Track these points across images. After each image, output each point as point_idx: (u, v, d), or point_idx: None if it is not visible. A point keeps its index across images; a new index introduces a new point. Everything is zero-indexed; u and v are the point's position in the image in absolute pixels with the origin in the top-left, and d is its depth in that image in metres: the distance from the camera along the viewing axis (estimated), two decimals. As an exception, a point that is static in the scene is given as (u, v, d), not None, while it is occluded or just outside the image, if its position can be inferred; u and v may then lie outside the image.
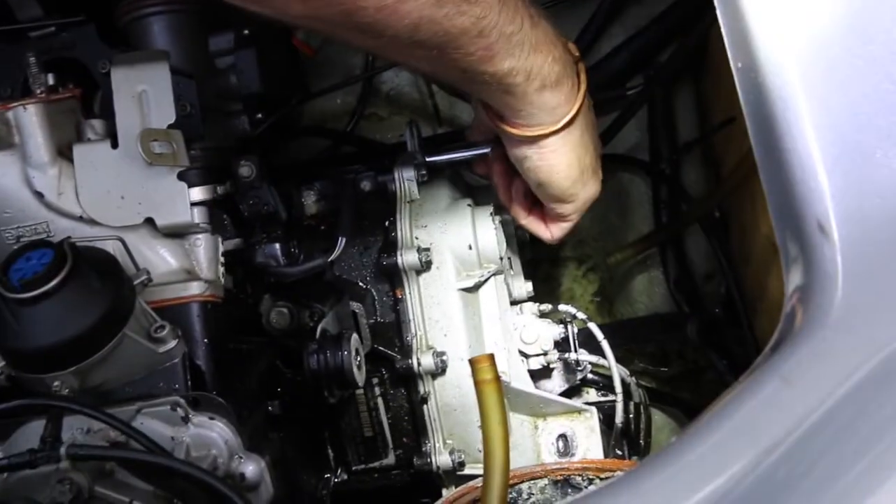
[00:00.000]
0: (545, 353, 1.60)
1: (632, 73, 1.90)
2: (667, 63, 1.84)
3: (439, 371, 1.49)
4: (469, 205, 1.53)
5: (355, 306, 1.50)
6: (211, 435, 1.21)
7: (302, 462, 1.49)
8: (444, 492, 1.55)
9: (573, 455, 1.55)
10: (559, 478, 1.35)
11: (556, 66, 1.21)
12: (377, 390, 1.54)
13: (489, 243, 1.51)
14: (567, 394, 1.65)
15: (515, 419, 1.54)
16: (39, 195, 1.33)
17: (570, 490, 1.35)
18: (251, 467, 1.21)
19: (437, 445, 1.52)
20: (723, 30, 0.92)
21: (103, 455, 1.11)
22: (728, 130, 1.67)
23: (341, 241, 1.49)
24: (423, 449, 1.52)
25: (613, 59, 1.88)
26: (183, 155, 1.30)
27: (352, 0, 0.99)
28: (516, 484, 1.30)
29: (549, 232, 1.47)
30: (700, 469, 0.80)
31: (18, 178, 1.33)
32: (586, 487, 1.35)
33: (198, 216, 1.35)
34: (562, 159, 1.30)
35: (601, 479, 1.35)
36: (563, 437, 1.56)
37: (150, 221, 1.33)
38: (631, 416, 1.64)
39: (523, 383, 1.55)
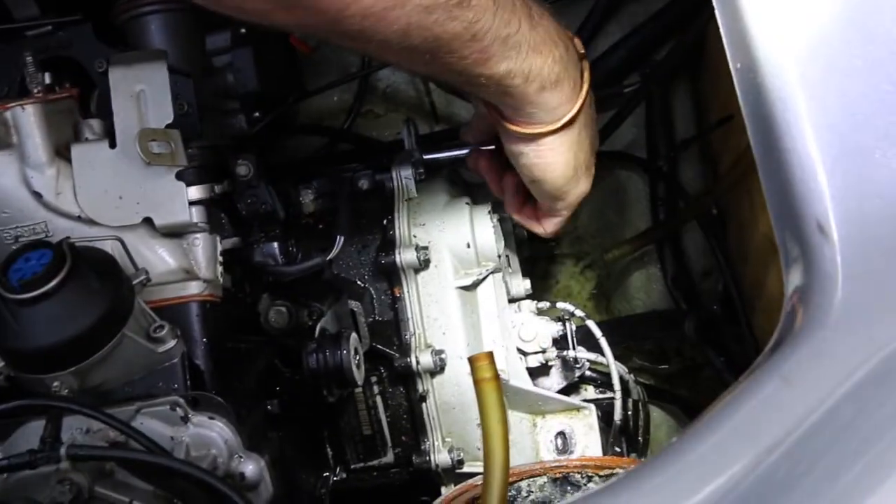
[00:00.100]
0: (543, 351, 1.60)
1: (629, 70, 1.90)
2: (664, 60, 1.84)
3: (438, 369, 1.49)
4: (467, 203, 1.53)
5: (354, 305, 1.50)
6: (210, 434, 1.21)
7: (301, 461, 1.49)
8: (443, 490, 1.55)
9: (572, 452, 1.55)
10: (558, 475, 1.35)
11: (557, 67, 1.19)
12: (376, 389, 1.54)
13: (487, 241, 1.51)
14: (565, 391, 1.65)
15: (514, 417, 1.54)
16: (38, 195, 1.33)
17: (569, 487, 1.35)
18: (251, 467, 1.22)
19: (435, 444, 1.52)
20: (721, 30, 0.92)
21: (103, 455, 1.11)
22: (725, 128, 1.67)
23: (340, 240, 1.49)
24: (422, 447, 1.52)
25: (610, 57, 1.88)
26: (181, 154, 1.30)
27: (336, 9, 0.97)
28: (515, 482, 1.30)
29: (542, 226, 1.46)
30: (701, 469, 0.80)
31: (16, 178, 1.33)
32: (585, 485, 1.35)
33: (196, 216, 1.35)
34: (558, 158, 1.29)
35: (600, 476, 1.35)
36: (561, 434, 1.56)
37: (148, 221, 1.33)
38: (629, 413, 1.64)
39: (522, 381, 1.55)
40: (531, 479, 1.36)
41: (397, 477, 1.58)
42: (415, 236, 1.51)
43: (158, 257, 1.34)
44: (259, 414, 1.38)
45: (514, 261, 1.68)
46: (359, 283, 1.54)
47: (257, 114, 1.59)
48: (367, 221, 1.55)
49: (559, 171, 1.31)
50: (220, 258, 1.39)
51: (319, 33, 1.06)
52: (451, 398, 1.51)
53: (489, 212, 1.52)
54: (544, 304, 1.65)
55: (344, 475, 1.59)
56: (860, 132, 0.86)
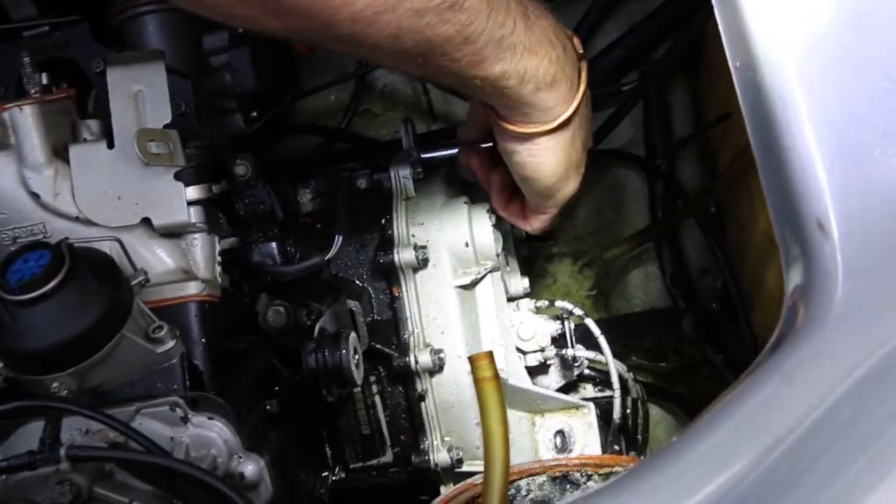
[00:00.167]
0: (542, 350, 1.60)
1: (627, 68, 1.90)
2: (662, 59, 1.84)
3: (437, 368, 1.48)
4: (465, 202, 1.53)
5: (352, 304, 1.50)
6: (210, 435, 1.21)
7: (300, 461, 1.49)
8: (442, 489, 1.55)
9: (571, 451, 1.55)
10: (557, 474, 1.35)
11: (553, 68, 1.19)
12: (374, 388, 1.53)
13: (486, 240, 1.51)
14: (564, 390, 1.65)
15: (513, 415, 1.54)
16: (35, 196, 1.33)
17: (568, 486, 1.35)
18: (250, 467, 1.22)
19: (434, 443, 1.52)
20: (721, 28, 0.92)
21: (103, 456, 1.12)
22: (724, 126, 1.67)
23: (338, 240, 1.49)
24: (421, 446, 1.52)
25: (608, 55, 1.88)
26: (179, 155, 1.30)
27: (327, 14, 0.97)
28: (514, 480, 1.30)
29: (529, 224, 1.46)
30: (701, 468, 0.80)
31: (14, 179, 1.33)
32: (584, 483, 1.35)
33: (194, 216, 1.35)
34: (551, 157, 1.29)
35: (599, 474, 1.35)
36: (560, 433, 1.56)
37: (146, 221, 1.33)
38: (628, 411, 1.64)
39: (520, 380, 1.55)
40: (530, 478, 1.36)
41: (396, 476, 1.58)
42: (413, 235, 1.51)
43: (157, 258, 1.35)
44: (258, 414, 1.37)
45: (513, 260, 1.68)
46: (357, 282, 1.54)
47: (255, 113, 1.59)
48: (365, 221, 1.55)
49: (551, 171, 1.31)
50: (219, 258, 1.39)
51: (311, 38, 1.06)
52: (449, 397, 1.51)
53: (487, 211, 1.52)
54: (543, 303, 1.65)
55: (343, 475, 1.58)
56: (859, 130, 0.86)
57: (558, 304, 1.64)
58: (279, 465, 1.32)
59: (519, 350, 1.60)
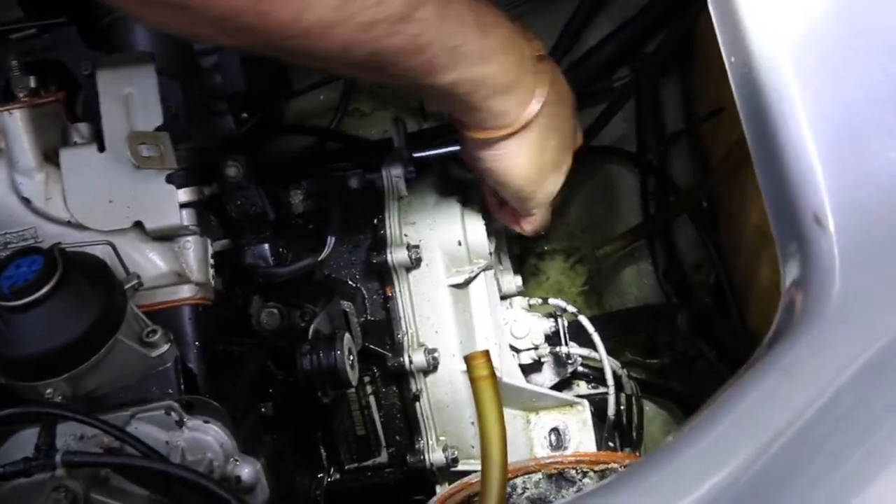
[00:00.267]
0: (536, 348, 1.60)
1: (618, 64, 1.90)
2: (654, 54, 1.84)
3: (431, 368, 1.48)
4: (458, 201, 1.53)
5: (346, 305, 1.50)
6: (206, 438, 1.20)
7: (295, 463, 1.49)
8: (438, 489, 1.55)
9: (566, 448, 1.55)
10: (553, 471, 1.35)
11: (507, 75, 1.19)
12: (369, 389, 1.53)
13: (478, 239, 1.51)
14: (557, 387, 1.65)
15: (507, 414, 1.53)
16: (26, 201, 1.32)
17: (564, 483, 1.35)
18: (247, 470, 1.21)
19: (429, 443, 1.52)
20: (715, 24, 0.92)
21: (98, 462, 1.11)
22: (715, 121, 1.67)
23: (331, 241, 1.49)
24: (417, 446, 1.52)
25: (600, 51, 1.88)
26: (171, 157, 1.29)
27: (277, 30, 0.98)
28: (510, 479, 1.31)
29: (520, 226, 1.46)
30: (704, 463, 0.80)
31: (5, 183, 1.32)
32: (580, 480, 1.35)
33: (186, 218, 1.34)
34: (516, 161, 1.29)
35: (595, 471, 1.35)
36: (555, 430, 1.56)
37: (138, 225, 1.32)
38: (622, 407, 1.64)
39: (515, 378, 1.55)
40: (526, 476, 1.36)
41: (391, 477, 1.58)
42: (406, 235, 1.50)
43: (149, 261, 1.34)
44: (253, 416, 1.37)
45: (506, 258, 1.68)
46: (350, 283, 1.54)
47: (245, 114, 1.58)
48: (357, 221, 1.54)
49: (519, 174, 1.31)
50: (212, 261, 1.38)
51: (263, 52, 1.07)
52: (444, 396, 1.51)
53: (480, 209, 1.51)
54: (536, 301, 1.65)
55: (338, 476, 1.58)
56: (855, 123, 0.86)
57: (551, 301, 1.64)
58: (275, 467, 1.31)
59: (513, 348, 1.60)
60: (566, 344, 1.60)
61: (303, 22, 0.98)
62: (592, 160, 1.99)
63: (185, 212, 1.34)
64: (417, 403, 1.51)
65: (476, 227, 1.50)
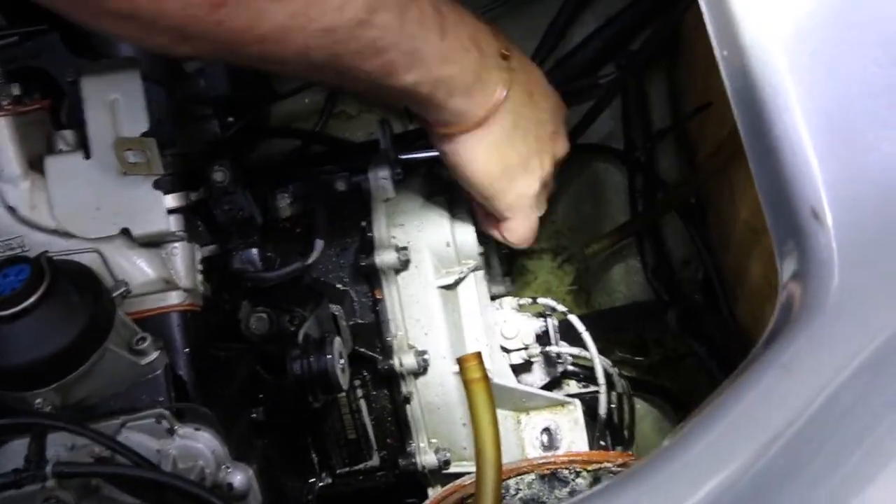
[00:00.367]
0: (526, 348, 1.59)
1: (604, 61, 1.89)
2: (641, 50, 1.84)
3: (421, 370, 1.48)
4: (445, 201, 1.52)
5: (335, 308, 1.49)
6: (197, 446, 1.19)
7: (286, 468, 1.48)
8: (430, 491, 1.54)
9: (558, 448, 1.55)
10: (546, 472, 1.35)
11: (469, 75, 1.20)
12: (359, 392, 1.53)
13: (467, 239, 1.50)
14: (548, 387, 1.64)
15: (498, 415, 1.51)
16: (12, 210, 1.31)
17: (557, 484, 1.35)
18: (239, 477, 1.21)
19: (421, 445, 1.51)
20: (706, 18, 0.91)
21: (90, 472, 1.10)
22: (702, 116, 1.66)
23: (319, 244, 1.48)
24: (408, 449, 1.51)
25: (585, 48, 1.87)
26: (157, 163, 1.29)
27: (233, 38, 0.98)
28: (503, 480, 1.30)
29: (502, 235, 1.46)
30: (702, 466, 0.79)
31: (-9, 193, 1.32)
32: (573, 480, 1.35)
33: (174, 224, 1.33)
34: (477, 156, 1.30)
35: (588, 471, 1.34)
36: (546, 430, 1.56)
37: (125, 232, 1.32)
38: (613, 406, 1.64)
39: (506, 379, 1.55)
40: (519, 477, 1.36)
41: (383, 480, 1.57)
42: (394, 237, 1.50)
43: (137, 268, 1.33)
44: (244, 422, 1.37)
45: (495, 258, 1.68)
46: (338, 286, 1.53)
47: (231, 118, 1.57)
48: (345, 224, 1.54)
49: (482, 170, 1.31)
50: (200, 266, 1.38)
51: (222, 59, 1.07)
52: (435, 398, 1.50)
53: (468, 210, 1.51)
54: (526, 301, 1.64)
55: (330, 480, 1.58)
56: (851, 116, 0.86)
57: (541, 301, 1.63)
58: (266, 473, 1.31)
59: (503, 349, 1.59)
60: (556, 343, 1.59)
61: (260, 29, 0.98)
62: (579, 158, 1.98)
63: (172, 218, 1.33)
64: (408, 406, 1.50)
65: (464, 228, 1.50)
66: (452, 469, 1.52)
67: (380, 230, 1.49)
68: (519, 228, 1.42)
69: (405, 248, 1.48)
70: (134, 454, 1.11)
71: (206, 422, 1.21)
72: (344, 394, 1.49)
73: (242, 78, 1.61)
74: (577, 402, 1.56)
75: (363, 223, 1.51)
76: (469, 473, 1.42)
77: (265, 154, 1.96)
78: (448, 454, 1.51)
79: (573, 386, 1.69)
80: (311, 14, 1.00)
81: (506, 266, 1.75)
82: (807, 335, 0.83)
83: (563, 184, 1.70)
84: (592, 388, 1.63)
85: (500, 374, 1.53)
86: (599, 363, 1.60)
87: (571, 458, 1.37)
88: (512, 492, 1.34)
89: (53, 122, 1.40)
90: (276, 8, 0.98)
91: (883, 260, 0.85)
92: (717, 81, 0.92)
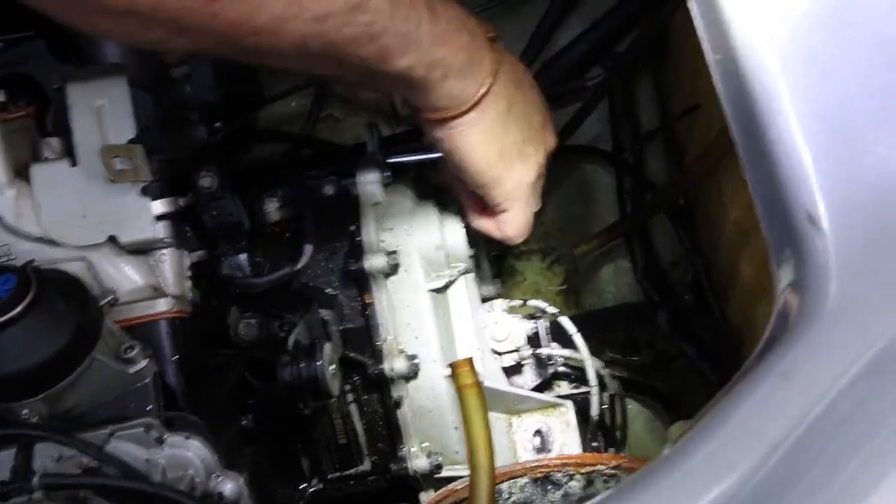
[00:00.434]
0: (517, 350, 1.59)
1: (590, 63, 1.89)
2: (628, 51, 1.84)
3: (412, 374, 1.47)
4: (435, 205, 1.52)
5: (325, 313, 1.49)
6: (186, 455, 1.18)
7: (276, 474, 1.47)
8: (423, 496, 1.54)
9: (550, 451, 1.54)
10: (539, 475, 1.35)
11: (461, 55, 1.20)
12: (350, 397, 1.52)
13: (457, 242, 1.50)
14: (539, 388, 1.64)
15: (490, 418, 1.53)
16: (-2, 218, 1.30)
17: (550, 487, 1.34)
18: (229, 485, 1.19)
19: (412, 449, 1.51)
20: (697, 22, 0.91)
21: (77, 483, 1.09)
22: (690, 118, 1.66)
23: (308, 249, 1.47)
24: (399, 454, 1.50)
25: (572, 51, 1.87)
26: (145, 170, 1.28)
27: (229, 30, 0.99)
28: (496, 485, 1.30)
29: (499, 229, 1.45)
30: (705, 474, 0.79)
31: (-25, 202, 1.31)
32: (567, 483, 1.35)
33: (162, 231, 1.32)
34: (473, 139, 1.29)
35: (581, 474, 1.34)
36: (539, 432, 1.55)
37: (113, 239, 1.31)
38: (605, 407, 1.63)
39: (497, 381, 1.54)
40: (512, 481, 1.35)
41: (375, 485, 1.56)
42: (383, 241, 1.49)
43: (125, 276, 1.32)
44: (233, 429, 1.36)
45: (485, 260, 1.68)
46: (328, 291, 1.52)
47: (218, 124, 1.57)
48: (333, 228, 1.53)
49: (479, 154, 1.31)
50: (189, 273, 1.37)
51: (217, 53, 1.07)
52: (426, 402, 1.50)
53: (457, 212, 1.50)
54: (516, 303, 1.64)
55: (321, 486, 1.57)
56: (846, 119, 0.85)
57: (531, 303, 1.63)
58: (256, 480, 1.30)
59: (494, 351, 1.59)
60: (548, 345, 1.59)
61: (255, 20, 0.98)
62: (568, 160, 1.99)
63: (160, 224, 1.32)
64: (399, 410, 1.49)
65: (454, 231, 1.50)
66: (444, 473, 1.51)
67: (369, 234, 1.49)
68: (515, 221, 1.41)
69: (394, 252, 1.47)
70: (122, 464, 1.10)
71: (195, 430, 1.20)
72: (334, 399, 1.48)
73: (230, 83, 1.60)
74: (570, 403, 1.55)
75: (352, 227, 1.50)
76: (461, 477, 1.42)
77: (253, 158, 1.95)
78: (440, 458, 1.50)
79: (564, 387, 1.69)
80: (305, 3, 1.00)
81: (495, 268, 1.75)
82: (805, 343, 0.83)
83: (551, 185, 1.69)
84: (584, 389, 1.63)
85: (492, 377, 1.53)
86: (591, 364, 1.59)
87: (564, 460, 1.37)
88: (505, 496, 1.34)
89: (39, 130, 1.39)
90: None
91: (880, 265, 0.84)
92: (705, 84, 0.92)
